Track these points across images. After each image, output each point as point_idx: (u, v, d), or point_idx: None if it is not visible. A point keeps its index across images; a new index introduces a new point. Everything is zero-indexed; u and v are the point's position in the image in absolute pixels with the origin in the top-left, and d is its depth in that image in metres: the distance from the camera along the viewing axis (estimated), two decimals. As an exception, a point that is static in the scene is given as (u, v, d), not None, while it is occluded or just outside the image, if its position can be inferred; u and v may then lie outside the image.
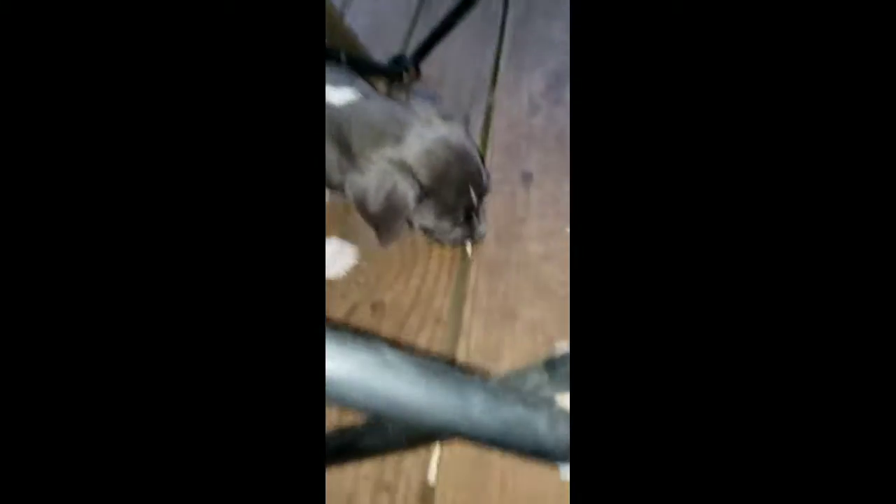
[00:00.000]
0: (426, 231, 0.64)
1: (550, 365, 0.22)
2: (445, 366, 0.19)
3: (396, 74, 0.95)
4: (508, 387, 0.20)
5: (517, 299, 0.63)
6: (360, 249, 0.70)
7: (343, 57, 0.78)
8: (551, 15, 1.03)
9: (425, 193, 0.58)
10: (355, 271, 0.69)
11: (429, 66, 0.97)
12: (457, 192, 0.59)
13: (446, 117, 0.60)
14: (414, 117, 0.59)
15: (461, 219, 0.62)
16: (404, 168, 0.57)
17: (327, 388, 0.15)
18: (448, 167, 0.58)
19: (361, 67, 0.85)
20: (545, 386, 0.21)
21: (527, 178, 0.77)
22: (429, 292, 0.66)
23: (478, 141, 0.83)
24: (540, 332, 0.60)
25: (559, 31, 0.99)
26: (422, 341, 0.62)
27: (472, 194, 0.60)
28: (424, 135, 0.57)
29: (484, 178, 0.61)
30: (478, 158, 0.61)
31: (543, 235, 0.69)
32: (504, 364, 0.58)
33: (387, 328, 0.63)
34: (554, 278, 0.65)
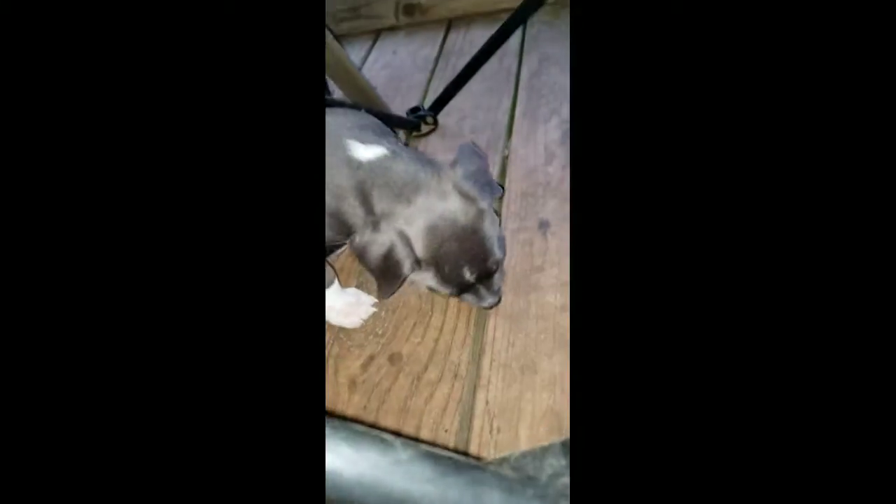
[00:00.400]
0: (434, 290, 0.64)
1: (568, 447, 0.22)
2: (459, 460, 0.18)
3: (414, 125, 0.98)
4: (524, 478, 0.19)
5: (536, 352, 0.63)
6: (378, 300, 0.70)
7: (363, 111, 0.81)
8: (564, 65, 1.06)
9: (420, 264, 0.58)
10: (373, 321, 0.70)
11: (446, 117, 1.00)
12: (453, 269, 0.58)
13: (467, 194, 0.57)
14: (433, 183, 0.58)
15: (463, 289, 0.61)
16: (404, 237, 0.57)
17: (338, 489, 0.15)
18: (447, 246, 0.57)
19: (380, 120, 0.88)
20: (563, 473, 0.21)
21: (544, 225, 0.77)
22: (446, 344, 0.65)
23: (494, 190, 0.84)
24: (559, 387, 0.59)
25: (573, 81, 1.01)
26: (440, 396, 0.61)
27: (468, 273, 0.59)
28: (433, 208, 0.57)
29: (491, 258, 0.60)
30: (488, 239, 0.59)
31: (561, 285, 0.69)
32: (524, 420, 0.57)
33: (403, 380, 0.63)
34: (573, 330, 0.64)
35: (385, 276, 0.58)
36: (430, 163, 0.61)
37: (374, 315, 0.70)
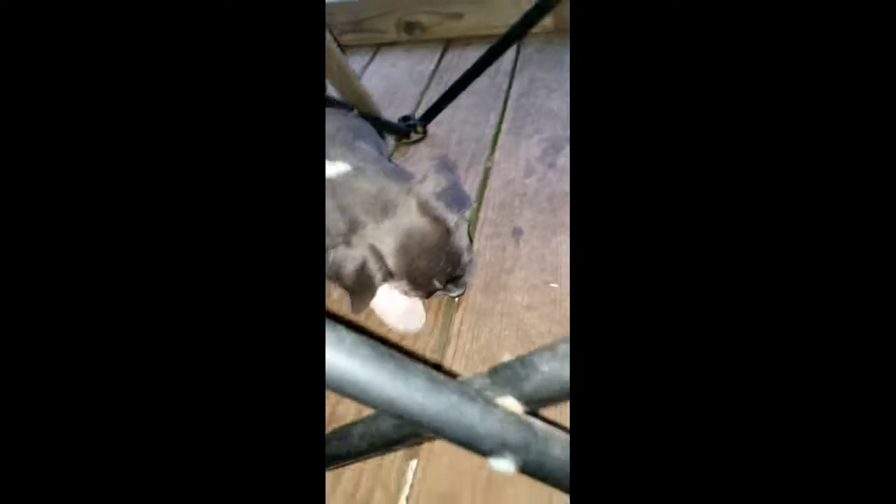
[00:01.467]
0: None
1: (493, 372, 0.25)
2: (401, 355, 0.21)
3: (405, 132, 1.03)
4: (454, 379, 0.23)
5: (499, 346, 0.66)
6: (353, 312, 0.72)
7: (354, 114, 0.86)
8: (552, 88, 1.12)
9: (392, 275, 0.61)
10: (346, 307, 0.73)
11: (436, 127, 1.05)
12: (424, 280, 0.62)
13: (435, 213, 0.59)
14: (399, 200, 0.59)
15: (433, 292, 0.65)
16: (376, 252, 0.59)
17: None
18: (418, 262, 0.60)
19: (372, 125, 0.93)
20: (487, 388, 0.24)
21: (517, 233, 0.81)
22: (413, 333, 0.69)
23: (474, 197, 0.88)
24: (517, 378, 0.62)
25: (558, 103, 1.08)
26: (403, 379, 0.64)
27: (437, 283, 0.63)
28: (401, 225, 0.58)
29: (459, 267, 0.63)
30: (457, 252, 0.61)
31: (528, 288, 0.73)
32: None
33: (371, 364, 0.66)
34: (534, 328, 0.67)
35: (359, 289, 0.60)
36: (398, 177, 0.62)
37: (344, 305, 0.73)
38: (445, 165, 0.65)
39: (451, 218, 0.60)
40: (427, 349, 0.67)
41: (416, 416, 0.20)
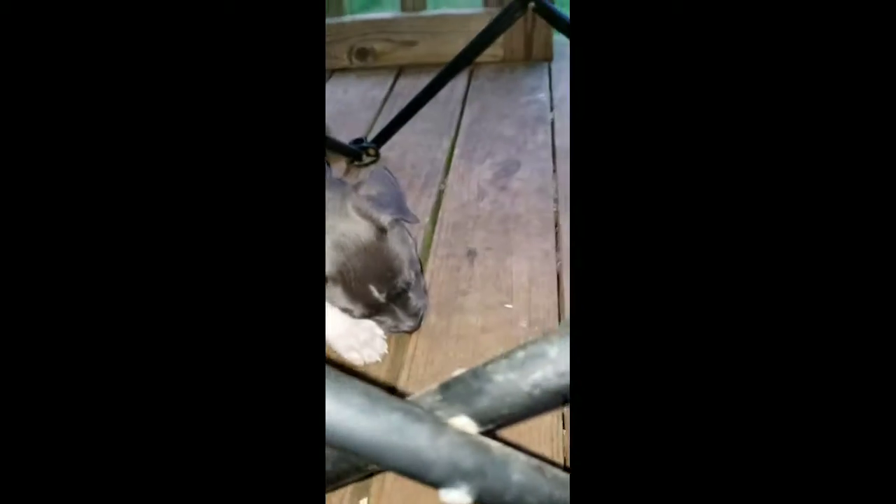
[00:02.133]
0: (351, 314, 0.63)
1: (444, 387, 0.23)
2: (335, 369, 0.19)
3: (357, 155, 1.01)
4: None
5: (454, 369, 0.63)
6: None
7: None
8: (503, 115, 1.14)
9: (328, 280, 0.60)
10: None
11: (389, 150, 1.04)
12: (359, 286, 0.60)
13: (367, 213, 0.60)
14: (336, 205, 0.61)
15: (375, 309, 0.62)
16: None
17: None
18: (352, 262, 0.60)
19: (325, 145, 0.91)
20: (438, 408, 0.22)
21: (471, 254, 0.80)
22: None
23: (427, 220, 0.87)
24: (474, 404, 0.59)
25: (509, 129, 1.09)
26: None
27: (375, 291, 0.61)
28: (336, 227, 0.60)
29: (399, 276, 0.61)
30: (394, 256, 0.61)
31: (483, 309, 0.71)
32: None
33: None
34: (491, 350, 0.65)
35: None
36: (336, 185, 0.65)
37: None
38: (385, 175, 0.67)
39: (384, 218, 0.61)
40: (380, 374, 0.63)
41: (353, 442, 0.17)
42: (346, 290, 0.60)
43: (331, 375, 0.18)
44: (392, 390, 0.61)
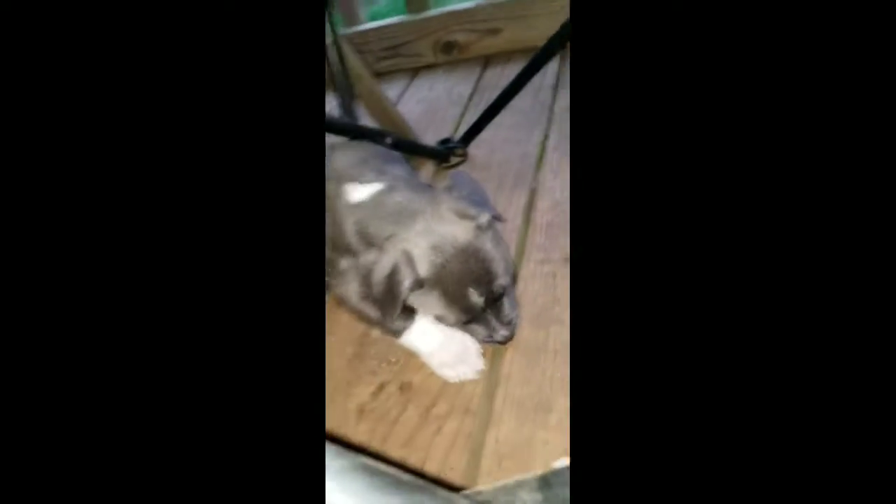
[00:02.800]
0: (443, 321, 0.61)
1: (545, 482, 0.19)
2: (402, 478, 0.16)
3: (444, 156, 0.98)
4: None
5: (552, 390, 0.59)
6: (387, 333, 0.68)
7: (390, 140, 0.82)
8: (599, 100, 1.05)
9: (422, 284, 0.57)
10: (386, 349, 0.68)
11: (477, 148, 1.00)
12: (457, 289, 0.57)
13: (463, 213, 0.58)
14: (429, 209, 0.60)
15: (471, 315, 0.59)
16: (407, 255, 0.58)
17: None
18: (450, 265, 0.57)
19: (409, 149, 0.89)
20: (535, 508, 0.18)
21: (568, 259, 0.74)
22: (459, 376, 0.63)
23: (519, 221, 0.82)
24: (577, 429, 0.54)
25: (606, 116, 1.00)
26: (448, 430, 0.58)
27: (474, 295, 0.57)
28: (432, 229, 0.58)
29: (496, 280, 0.58)
30: (491, 258, 0.58)
31: (584, 320, 0.65)
32: (535, 461, 0.53)
33: (412, 411, 0.60)
34: (594, 368, 0.60)
35: (386, 297, 0.58)
36: (426, 190, 0.65)
37: (387, 342, 0.68)
38: (464, 177, 0.67)
39: (480, 216, 0.59)
40: (474, 395, 0.60)
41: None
42: (443, 295, 0.58)
43: (429, 489, 0.15)
44: (488, 412, 0.58)
